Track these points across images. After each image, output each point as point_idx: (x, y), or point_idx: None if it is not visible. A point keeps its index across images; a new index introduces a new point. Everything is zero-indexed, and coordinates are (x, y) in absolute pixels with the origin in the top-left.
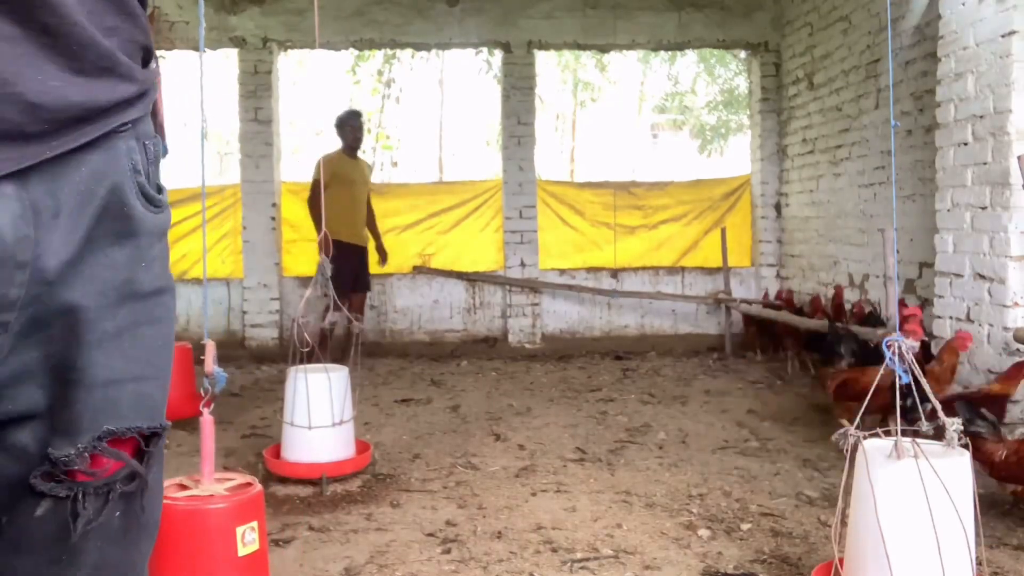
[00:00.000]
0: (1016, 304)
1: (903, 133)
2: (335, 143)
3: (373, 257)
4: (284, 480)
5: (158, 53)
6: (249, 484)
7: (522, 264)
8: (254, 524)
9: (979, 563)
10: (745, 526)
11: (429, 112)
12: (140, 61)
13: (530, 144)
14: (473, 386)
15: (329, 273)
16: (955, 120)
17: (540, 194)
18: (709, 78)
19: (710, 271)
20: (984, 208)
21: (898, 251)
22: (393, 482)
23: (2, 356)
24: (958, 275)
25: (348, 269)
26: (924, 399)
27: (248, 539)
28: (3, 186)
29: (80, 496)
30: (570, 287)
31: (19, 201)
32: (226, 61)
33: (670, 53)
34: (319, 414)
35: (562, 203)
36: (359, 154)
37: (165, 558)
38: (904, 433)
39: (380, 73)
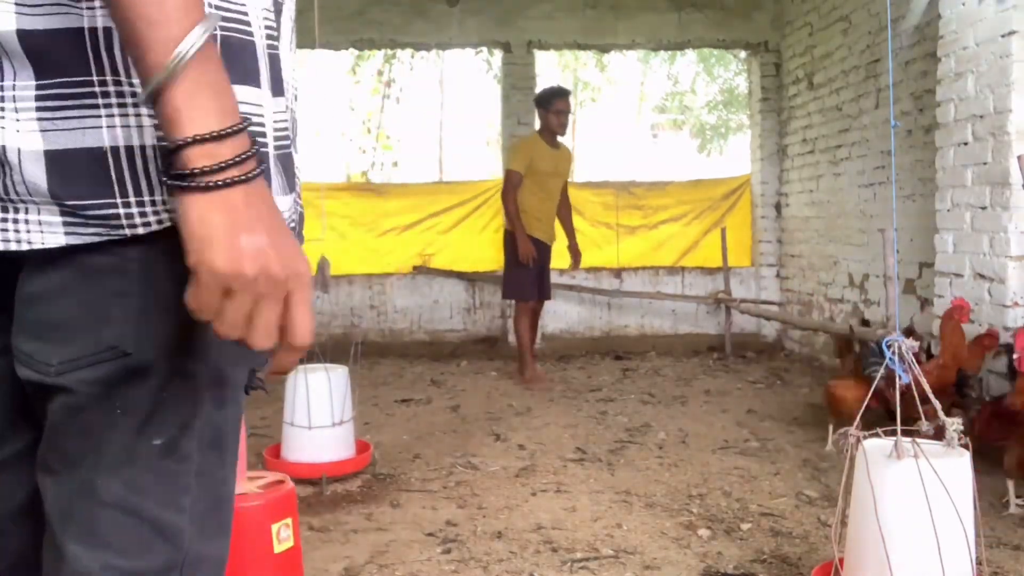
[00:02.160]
0: (1016, 304)
1: (903, 133)
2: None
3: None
4: None
5: None
6: (282, 482)
7: None
8: (288, 521)
9: (979, 563)
10: (745, 526)
11: (429, 112)
12: None
13: None
14: (473, 386)
15: (329, 272)
16: (955, 120)
17: None
18: (709, 78)
19: (710, 271)
20: (984, 208)
21: (898, 251)
22: (393, 482)
23: None
24: (958, 275)
25: (536, 271)
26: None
27: (283, 536)
28: None
29: None
30: (570, 287)
31: None
32: None
33: (670, 53)
34: (319, 414)
35: None
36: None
37: None
38: (904, 433)
39: (380, 73)
